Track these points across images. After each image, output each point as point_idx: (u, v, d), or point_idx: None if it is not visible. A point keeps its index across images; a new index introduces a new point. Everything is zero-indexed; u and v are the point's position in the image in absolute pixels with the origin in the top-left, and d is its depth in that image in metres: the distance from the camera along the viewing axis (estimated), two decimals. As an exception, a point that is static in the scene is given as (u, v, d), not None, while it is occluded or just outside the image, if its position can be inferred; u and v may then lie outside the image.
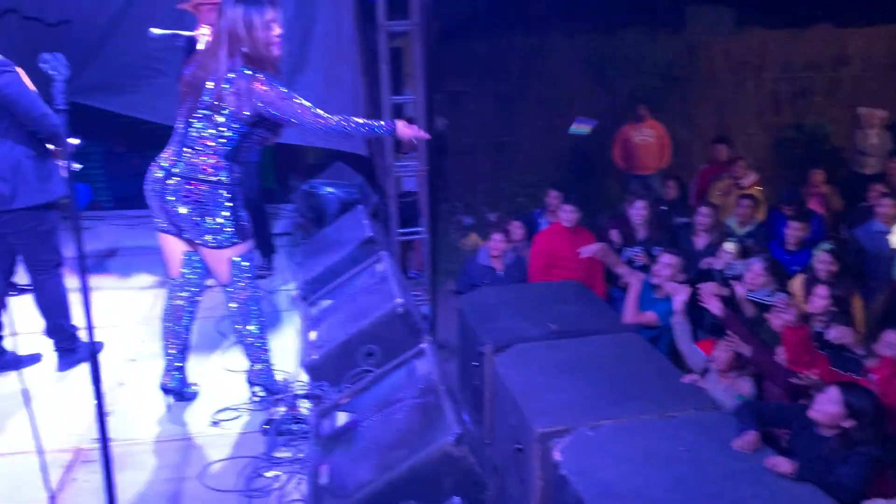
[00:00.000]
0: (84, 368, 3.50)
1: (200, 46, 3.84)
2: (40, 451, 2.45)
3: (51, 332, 3.56)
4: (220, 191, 2.90)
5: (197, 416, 3.21)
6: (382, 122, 3.14)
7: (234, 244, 2.99)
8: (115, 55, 5.59)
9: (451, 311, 6.83)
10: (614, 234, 5.40)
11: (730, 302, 4.19)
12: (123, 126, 6.76)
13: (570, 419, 3.00)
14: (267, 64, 2.86)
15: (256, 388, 3.29)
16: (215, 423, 3.16)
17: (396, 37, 5.61)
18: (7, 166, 3.26)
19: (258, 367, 3.24)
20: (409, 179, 6.06)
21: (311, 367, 3.31)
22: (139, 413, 3.23)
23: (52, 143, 3.41)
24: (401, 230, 5.66)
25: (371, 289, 3.64)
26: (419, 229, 5.75)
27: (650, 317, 4.44)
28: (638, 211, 5.38)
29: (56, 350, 3.59)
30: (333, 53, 5.66)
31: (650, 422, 3.00)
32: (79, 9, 5.38)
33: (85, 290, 2.15)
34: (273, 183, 7.90)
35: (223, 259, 3.00)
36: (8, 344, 3.56)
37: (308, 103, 2.89)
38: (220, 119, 2.84)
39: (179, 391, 3.27)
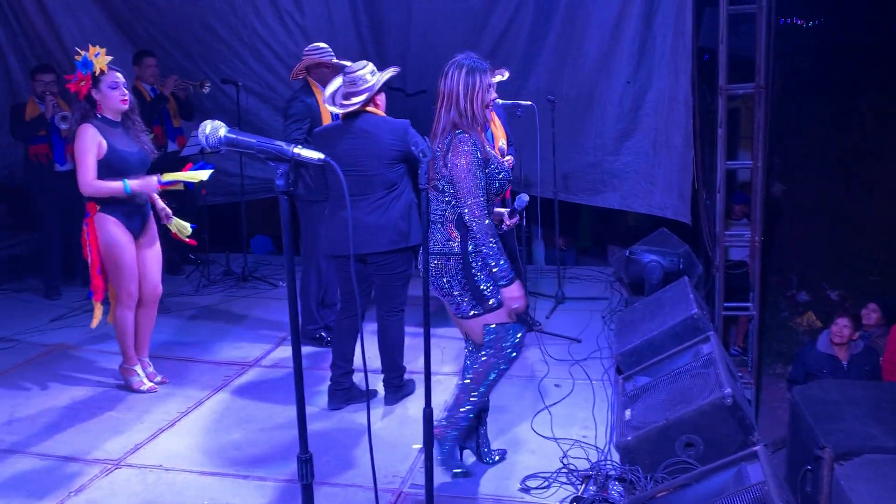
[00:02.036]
0: (410, 410, 3.81)
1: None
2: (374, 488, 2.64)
3: (387, 368, 3.92)
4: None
5: (507, 477, 3.24)
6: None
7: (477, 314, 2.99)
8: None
9: (776, 398, 6.17)
10: None
11: None
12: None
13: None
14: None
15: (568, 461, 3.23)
16: (524, 489, 3.16)
17: (734, 99, 5.30)
18: (405, 208, 3.66)
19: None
20: (738, 249, 5.64)
21: (623, 448, 3.16)
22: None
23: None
24: (726, 304, 5.26)
25: (695, 371, 3.39)
26: (747, 304, 5.30)
27: None
28: None
29: (385, 385, 3.94)
30: (663, 118, 5.53)
31: None
32: (434, 80, 5.96)
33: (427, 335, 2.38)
34: (588, 242, 7.92)
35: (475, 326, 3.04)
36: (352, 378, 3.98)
37: None
38: None
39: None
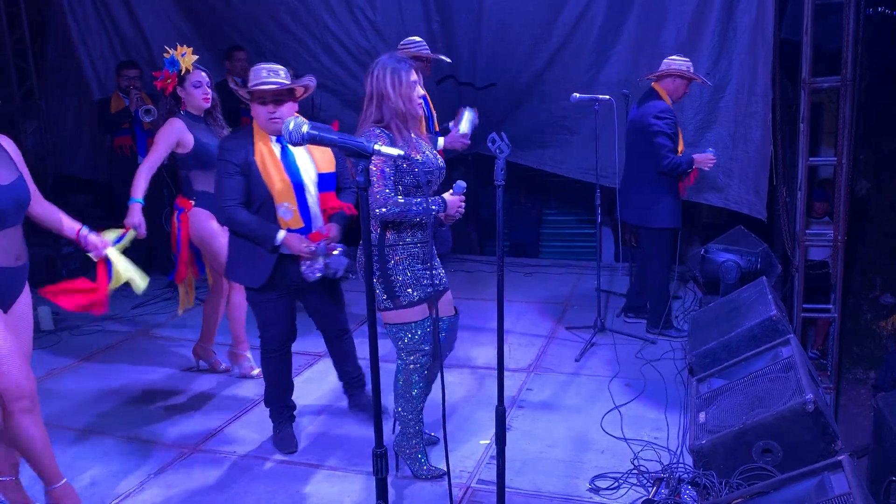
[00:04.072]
0: (476, 405, 3.81)
1: None
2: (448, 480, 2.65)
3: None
4: None
5: (576, 476, 3.21)
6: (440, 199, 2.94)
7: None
8: (530, 113, 6.07)
9: (857, 404, 5.92)
10: None
11: None
12: (524, 178, 7.28)
13: None
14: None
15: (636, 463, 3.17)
16: (593, 489, 3.12)
17: (817, 93, 5.09)
18: None
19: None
20: (819, 249, 5.42)
21: (698, 452, 3.07)
22: (528, 458, 3.35)
23: None
24: (806, 305, 5.07)
25: (773, 375, 3.27)
26: (828, 306, 5.09)
27: None
28: None
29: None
30: (742, 110, 5.36)
31: None
32: (503, 74, 5.95)
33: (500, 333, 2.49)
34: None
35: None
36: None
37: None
38: None
39: None
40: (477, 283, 6.11)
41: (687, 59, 4.57)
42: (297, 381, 4.21)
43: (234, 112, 5.76)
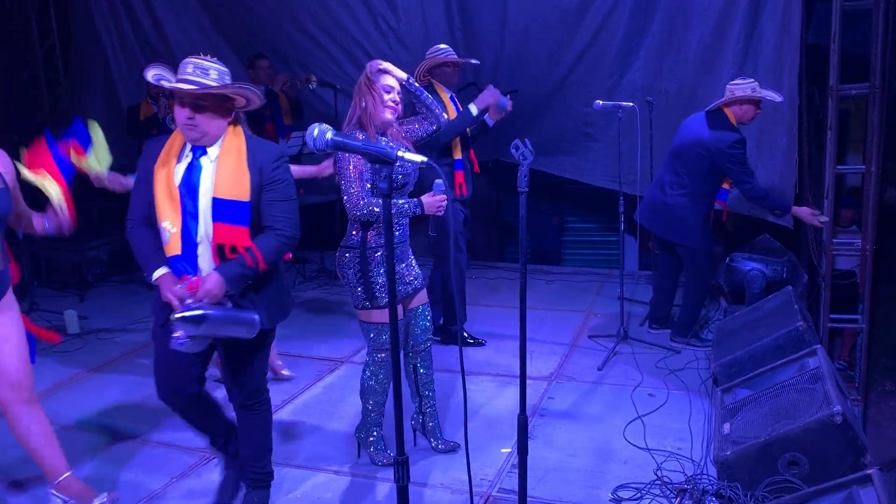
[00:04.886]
0: (496, 413, 3.79)
1: None
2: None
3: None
4: None
5: (598, 486, 3.17)
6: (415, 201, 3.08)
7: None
8: (552, 120, 6.05)
9: (886, 416, 5.80)
10: None
11: None
12: (546, 185, 7.25)
13: None
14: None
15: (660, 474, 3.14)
16: (615, 500, 3.08)
17: (845, 100, 5.02)
18: None
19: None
20: (846, 258, 5.33)
21: (722, 463, 3.03)
22: (550, 467, 3.32)
23: None
24: (833, 315, 4.98)
25: (800, 386, 3.22)
26: (856, 317, 5.00)
27: None
28: None
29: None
30: (768, 117, 5.29)
31: None
32: (525, 80, 5.93)
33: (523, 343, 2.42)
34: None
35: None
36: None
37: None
38: None
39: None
40: (498, 289, 6.10)
41: (750, 80, 4.45)
42: (318, 386, 4.24)
43: (258, 119, 5.82)
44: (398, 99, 3.12)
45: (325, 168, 3.85)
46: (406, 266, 3.23)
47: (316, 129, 1.91)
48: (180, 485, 3.25)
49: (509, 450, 3.47)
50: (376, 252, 3.07)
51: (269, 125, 6.08)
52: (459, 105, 4.54)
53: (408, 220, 3.22)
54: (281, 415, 3.86)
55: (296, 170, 4.26)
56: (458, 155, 4.48)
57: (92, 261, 6.49)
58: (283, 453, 3.46)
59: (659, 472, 3.23)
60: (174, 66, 2.54)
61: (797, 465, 2.91)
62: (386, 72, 3.14)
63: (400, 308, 3.21)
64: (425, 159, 1.84)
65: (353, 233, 3.12)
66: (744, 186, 4.46)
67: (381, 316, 3.10)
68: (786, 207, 4.59)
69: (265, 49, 6.33)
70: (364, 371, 3.29)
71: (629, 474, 3.25)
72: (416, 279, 3.27)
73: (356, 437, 3.42)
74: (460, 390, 4.13)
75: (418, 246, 6.45)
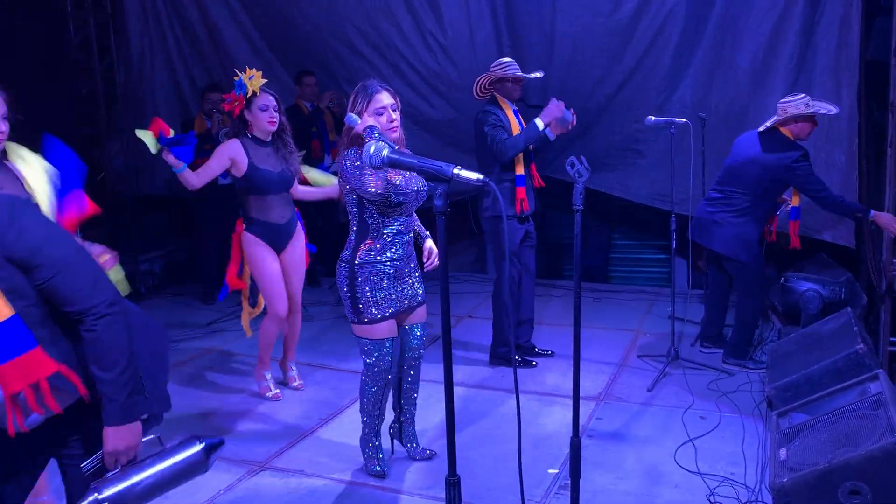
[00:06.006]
0: (545, 432, 3.74)
1: None
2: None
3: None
4: None
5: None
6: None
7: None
8: (601, 136, 5.98)
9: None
10: None
11: None
12: (592, 202, 7.17)
13: None
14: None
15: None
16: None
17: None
18: None
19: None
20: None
21: (779, 490, 2.93)
22: (598, 489, 3.26)
23: None
24: (893, 339, 4.80)
25: (862, 412, 3.10)
26: (917, 340, 4.81)
27: None
28: None
29: None
30: (823, 134, 5.15)
31: None
32: (574, 96, 5.86)
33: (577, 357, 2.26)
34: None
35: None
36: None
37: None
38: None
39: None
40: (544, 307, 6.04)
41: (802, 96, 4.37)
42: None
43: (305, 135, 5.89)
44: (395, 117, 3.28)
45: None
46: (402, 283, 3.22)
47: (372, 147, 1.92)
48: (227, 496, 3.28)
49: (556, 470, 3.42)
50: (364, 267, 3.12)
51: (315, 141, 6.16)
52: (523, 120, 4.52)
53: (412, 238, 3.28)
54: (326, 430, 3.86)
55: (317, 192, 4.31)
56: (520, 170, 4.42)
57: (145, 273, 6.64)
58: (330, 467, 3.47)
59: (712, 498, 3.15)
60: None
61: (858, 495, 2.80)
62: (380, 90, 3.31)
63: (394, 323, 3.24)
64: (481, 177, 1.82)
65: (349, 247, 3.19)
66: (819, 195, 4.35)
67: (369, 331, 3.17)
68: (865, 210, 4.42)
69: (313, 64, 6.42)
70: (361, 383, 3.37)
71: (680, 499, 3.17)
72: (412, 298, 3.28)
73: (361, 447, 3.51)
74: (501, 407, 4.11)
75: (464, 264, 6.48)
